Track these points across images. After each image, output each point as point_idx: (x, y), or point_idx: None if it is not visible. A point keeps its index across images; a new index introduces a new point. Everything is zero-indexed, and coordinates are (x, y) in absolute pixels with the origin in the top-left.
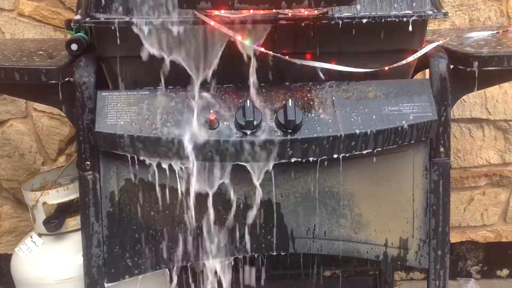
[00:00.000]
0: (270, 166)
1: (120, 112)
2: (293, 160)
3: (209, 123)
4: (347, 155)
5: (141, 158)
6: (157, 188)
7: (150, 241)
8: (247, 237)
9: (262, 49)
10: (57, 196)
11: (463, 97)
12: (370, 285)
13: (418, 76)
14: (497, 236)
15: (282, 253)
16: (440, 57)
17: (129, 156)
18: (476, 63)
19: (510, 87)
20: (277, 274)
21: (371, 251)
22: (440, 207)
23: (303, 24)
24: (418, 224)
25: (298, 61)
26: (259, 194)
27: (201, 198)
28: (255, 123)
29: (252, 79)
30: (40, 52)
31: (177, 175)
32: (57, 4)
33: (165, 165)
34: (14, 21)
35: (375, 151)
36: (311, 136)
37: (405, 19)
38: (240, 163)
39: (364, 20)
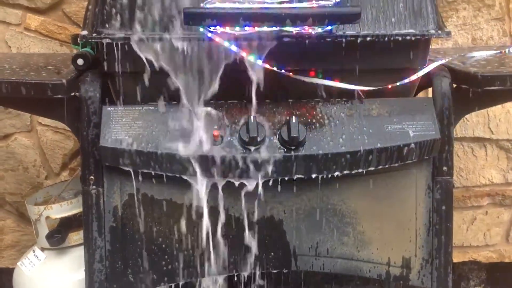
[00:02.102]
0: (273, 182)
1: (125, 127)
2: (296, 176)
3: (212, 139)
4: (350, 172)
5: (145, 173)
6: (160, 204)
7: (153, 257)
8: (249, 254)
9: (267, 66)
10: (60, 210)
11: (465, 116)
12: None
13: (421, 94)
14: (499, 256)
15: (285, 271)
16: (443, 76)
17: (133, 171)
18: (479, 83)
19: None
20: None
21: (374, 270)
22: (443, 226)
23: (307, 41)
24: (421, 243)
25: (302, 78)
26: (262, 211)
27: (204, 214)
28: (258, 139)
29: (256, 95)
30: (49, 67)
31: (180, 191)
32: (64, 19)
33: (168, 181)
34: (21, 35)
35: (378, 169)
36: (314, 153)
37: (408, 38)
38: (244, 179)
39: (368, 39)
